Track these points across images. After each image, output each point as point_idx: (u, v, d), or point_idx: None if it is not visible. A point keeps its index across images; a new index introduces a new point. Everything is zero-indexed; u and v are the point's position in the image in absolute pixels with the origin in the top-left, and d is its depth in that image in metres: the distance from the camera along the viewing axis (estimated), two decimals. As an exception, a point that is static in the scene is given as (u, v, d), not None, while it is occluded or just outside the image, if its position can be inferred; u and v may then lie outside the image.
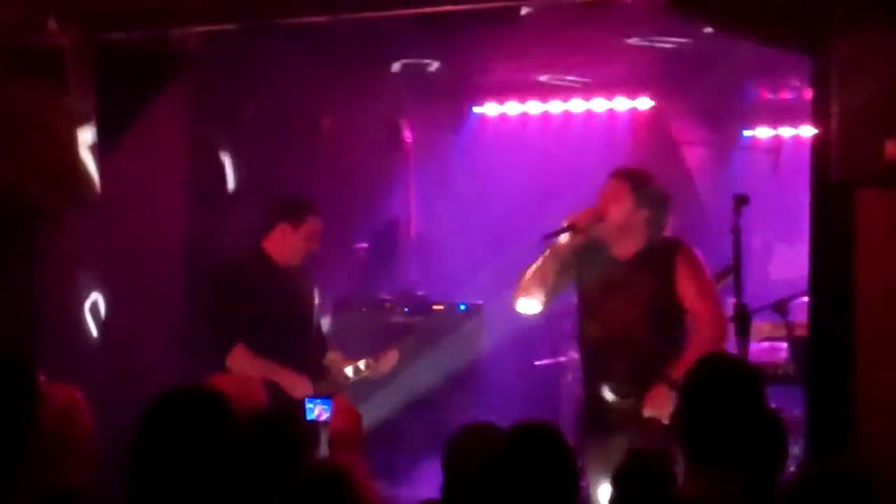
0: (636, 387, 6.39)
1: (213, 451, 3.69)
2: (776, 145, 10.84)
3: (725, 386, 4.39)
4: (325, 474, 3.99)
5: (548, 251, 6.68)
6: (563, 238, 6.63)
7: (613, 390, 6.51)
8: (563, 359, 9.75)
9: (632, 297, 6.52)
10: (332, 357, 7.75)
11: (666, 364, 6.28)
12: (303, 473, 4.03)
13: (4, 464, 4.08)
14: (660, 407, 6.22)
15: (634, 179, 6.69)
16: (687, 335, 6.56)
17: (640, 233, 6.63)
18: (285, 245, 7.39)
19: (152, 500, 3.67)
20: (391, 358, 7.88)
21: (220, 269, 7.51)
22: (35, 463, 4.17)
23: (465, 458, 4.49)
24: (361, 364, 7.75)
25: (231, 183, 8.96)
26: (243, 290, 7.28)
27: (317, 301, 7.67)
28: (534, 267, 6.72)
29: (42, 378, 4.30)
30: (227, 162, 9.00)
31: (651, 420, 6.27)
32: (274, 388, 7.26)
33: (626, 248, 6.64)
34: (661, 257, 6.59)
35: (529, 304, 6.77)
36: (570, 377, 9.53)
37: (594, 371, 6.67)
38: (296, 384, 7.20)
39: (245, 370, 6.92)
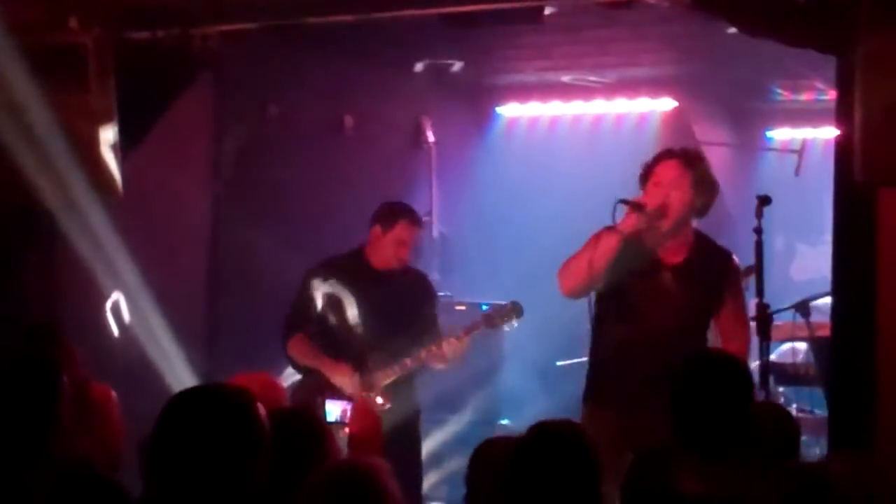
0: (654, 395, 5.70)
1: (237, 449, 3.64)
2: (799, 146, 10.80)
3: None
4: (349, 472, 3.98)
5: (609, 240, 6.11)
6: (626, 219, 6.13)
7: (632, 396, 6.17)
8: (584, 359, 9.72)
9: (675, 307, 6.24)
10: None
11: None
12: (327, 471, 4.00)
13: (29, 460, 4.11)
14: None
15: (693, 163, 6.28)
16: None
17: (687, 226, 6.32)
18: (377, 247, 7.39)
19: (173, 497, 3.65)
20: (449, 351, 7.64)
21: (318, 262, 7.52)
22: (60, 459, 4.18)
23: (487, 471, 4.46)
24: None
25: (254, 182, 8.97)
26: (324, 286, 7.38)
27: (423, 300, 7.58)
28: (593, 254, 6.13)
29: (65, 379, 4.31)
30: (250, 161, 9.01)
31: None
32: (296, 390, 7.29)
33: (674, 249, 6.31)
34: (712, 271, 6.32)
35: (575, 292, 6.34)
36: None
37: (614, 375, 6.38)
38: (338, 375, 7.20)
39: (300, 358, 7.27)
